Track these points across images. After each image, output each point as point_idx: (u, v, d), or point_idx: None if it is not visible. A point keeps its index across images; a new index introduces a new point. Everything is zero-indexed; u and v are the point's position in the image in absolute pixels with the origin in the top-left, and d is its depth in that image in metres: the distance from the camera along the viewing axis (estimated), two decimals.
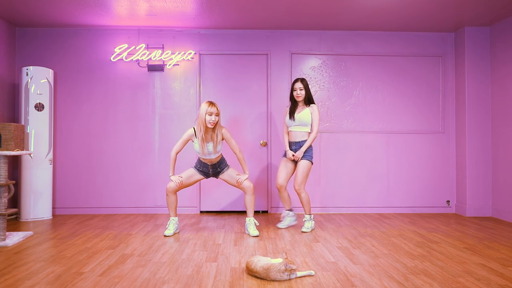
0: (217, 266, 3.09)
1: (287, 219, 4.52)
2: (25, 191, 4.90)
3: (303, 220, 4.41)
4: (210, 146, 4.04)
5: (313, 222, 4.41)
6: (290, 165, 4.42)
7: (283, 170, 4.41)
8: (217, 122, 4.00)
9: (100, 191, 5.36)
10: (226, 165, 4.26)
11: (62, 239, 3.93)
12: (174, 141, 5.37)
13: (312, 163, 4.33)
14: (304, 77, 5.43)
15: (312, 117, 4.31)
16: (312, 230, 4.38)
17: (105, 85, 5.37)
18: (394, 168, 5.50)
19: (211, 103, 3.97)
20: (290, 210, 4.52)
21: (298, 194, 4.28)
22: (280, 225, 4.53)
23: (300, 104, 4.39)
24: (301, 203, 4.33)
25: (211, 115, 3.94)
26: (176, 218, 4.22)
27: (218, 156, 4.17)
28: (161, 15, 4.90)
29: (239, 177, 4.16)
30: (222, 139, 4.10)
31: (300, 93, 4.32)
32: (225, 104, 5.39)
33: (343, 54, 5.49)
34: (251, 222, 4.20)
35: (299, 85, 4.33)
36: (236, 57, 5.45)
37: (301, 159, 4.28)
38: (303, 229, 4.31)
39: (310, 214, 4.37)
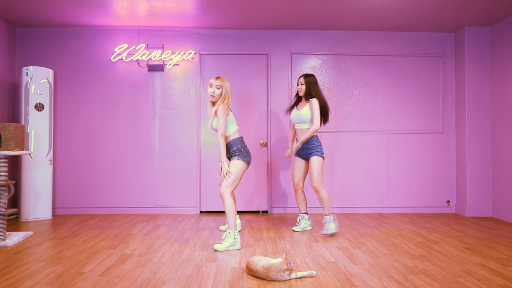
0: (217, 266, 3.09)
1: (303, 222, 4.41)
2: (25, 191, 4.90)
3: (323, 222, 4.26)
4: (213, 122, 3.80)
5: (336, 223, 4.15)
6: (301, 164, 4.37)
7: (297, 169, 4.38)
8: (219, 96, 3.72)
9: (100, 191, 5.36)
10: (235, 153, 3.77)
11: (62, 239, 3.93)
12: (174, 141, 5.38)
13: (323, 158, 4.21)
14: None
15: (311, 111, 4.20)
16: (333, 233, 4.14)
17: (105, 85, 5.37)
18: (394, 168, 5.50)
19: (217, 77, 3.76)
20: (305, 213, 4.42)
21: (316, 192, 4.15)
22: (295, 228, 4.41)
23: (303, 99, 4.36)
24: (320, 201, 4.17)
25: (211, 86, 3.73)
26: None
27: (226, 137, 3.81)
28: (161, 15, 4.90)
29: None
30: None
31: (301, 88, 4.31)
32: None
33: (343, 54, 5.49)
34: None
35: (301, 80, 4.31)
36: (236, 57, 5.45)
37: (311, 156, 4.20)
38: (323, 231, 4.12)
39: (331, 214, 4.14)
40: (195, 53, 5.40)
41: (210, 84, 3.74)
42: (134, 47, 5.33)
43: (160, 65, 5.34)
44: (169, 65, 5.36)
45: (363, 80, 5.49)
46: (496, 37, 5.17)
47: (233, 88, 5.40)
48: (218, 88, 3.72)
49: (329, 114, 4.37)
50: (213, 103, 3.81)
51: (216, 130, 3.81)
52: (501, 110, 5.08)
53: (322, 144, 4.30)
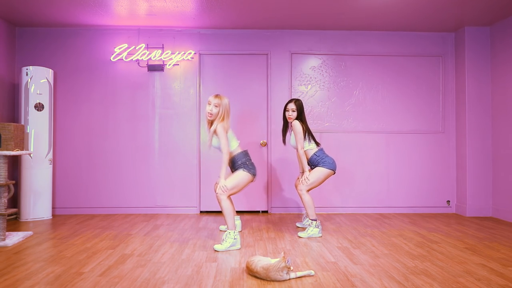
0: (217, 266, 3.09)
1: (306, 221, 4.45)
2: (25, 191, 4.90)
3: (305, 223, 4.38)
4: (212, 140, 3.81)
5: (320, 228, 4.14)
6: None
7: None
8: (216, 114, 3.72)
9: (100, 191, 5.36)
10: (240, 166, 3.79)
11: (61, 239, 3.93)
12: (174, 141, 5.38)
13: (332, 171, 4.13)
14: (304, 77, 5.43)
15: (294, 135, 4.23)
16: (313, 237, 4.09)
17: (105, 85, 5.37)
18: (394, 168, 5.50)
19: (216, 94, 3.75)
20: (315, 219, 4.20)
21: (300, 196, 4.17)
22: (299, 224, 4.61)
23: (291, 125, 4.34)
24: (304, 205, 4.16)
25: (209, 104, 3.73)
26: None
27: (228, 154, 3.78)
28: (161, 15, 4.90)
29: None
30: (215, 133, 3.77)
31: (291, 115, 4.21)
32: None
33: (343, 54, 5.49)
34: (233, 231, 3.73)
35: (291, 106, 4.21)
36: (236, 57, 5.45)
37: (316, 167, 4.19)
38: (303, 235, 4.09)
39: (315, 220, 4.12)
40: (195, 53, 5.39)
41: (209, 102, 3.74)
42: (134, 47, 5.33)
43: (160, 65, 5.34)
44: (169, 65, 5.36)
45: (363, 80, 5.49)
46: (497, 37, 5.17)
47: (233, 87, 5.40)
48: (216, 107, 3.72)
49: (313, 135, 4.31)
50: (211, 122, 3.82)
51: (217, 148, 3.84)
52: (502, 109, 5.08)
53: (329, 155, 4.23)
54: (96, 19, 5.05)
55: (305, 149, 4.20)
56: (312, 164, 4.22)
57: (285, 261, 2.73)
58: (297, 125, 4.15)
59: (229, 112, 3.78)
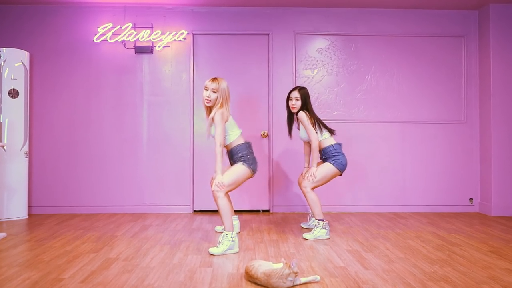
0: (212, 272, 3.08)
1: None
2: None
3: (311, 224, 4.40)
4: (211, 129, 3.78)
5: (328, 229, 4.11)
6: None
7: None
8: (215, 100, 3.70)
9: (82, 188, 5.34)
10: (240, 159, 3.76)
11: (39, 242, 3.92)
12: (165, 132, 5.35)
13: (339, 171, 4.14)
14: (309, 60, 5.39)
15: (304, 127, 4.19)
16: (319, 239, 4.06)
17: (87, 69, 5.33)
18: (411, 162, 5.47)
19: (213, 78, 3.75)
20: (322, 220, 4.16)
21: (304, 194, 4.17)
22: (303, 224, 4.60)
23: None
24: (309, 204, 4.15)
25: (206, 90, 3.72)
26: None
27: (229, 144, 3.83)
28: None
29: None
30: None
31: (295, 104, 4.20)
32: None
33: (354, 34, 5.44)
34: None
35: (295, 94, 4.20)
36: (233, 38, 5.40)
37: (325, 161, 4.20)
38: (308, 237, 4.05)
39: (322, 220, 4.10)
40: (188, 33, 5.35)
41: (206, 87, 3.74)
42: (119, 26, 5.27)
43: (148, 46, 5.29)
44: (159, 46, 5.31)
45: (376, 63, 5.45)
46: None
47: (231, 72, 5.36)
48: (214, 92, 3.71)
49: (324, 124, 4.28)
50: (209, 108, 3.81)
51: (208, 135, 3.85)
52: None
53: (344, 155, 4.21)
54: None
55: (320, 139, 4.18)
56: (325, 155, 4.20)
57: (290, 267, 2.70)
58: (303, 116, 4.14)
59: (228, 97, 3.77)
